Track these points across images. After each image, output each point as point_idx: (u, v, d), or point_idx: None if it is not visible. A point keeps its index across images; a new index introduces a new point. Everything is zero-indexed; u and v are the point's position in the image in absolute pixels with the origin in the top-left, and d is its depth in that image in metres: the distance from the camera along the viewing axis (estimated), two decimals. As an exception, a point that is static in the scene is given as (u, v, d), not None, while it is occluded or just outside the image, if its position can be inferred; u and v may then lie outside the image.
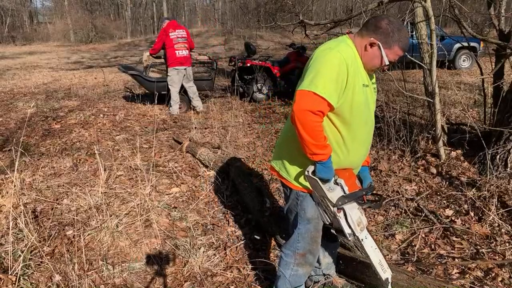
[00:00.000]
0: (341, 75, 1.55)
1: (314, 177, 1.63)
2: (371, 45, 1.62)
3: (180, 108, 6.49)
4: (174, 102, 6.33)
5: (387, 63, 1.63)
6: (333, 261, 2.16)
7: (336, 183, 1.67)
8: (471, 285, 2.10)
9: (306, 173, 1.66)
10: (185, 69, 6.23)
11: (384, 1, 3.92)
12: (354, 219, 1.66)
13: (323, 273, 2.17)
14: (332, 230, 1.74)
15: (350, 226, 1.66)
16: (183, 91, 6.53)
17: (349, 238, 1.70)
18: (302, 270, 1.91)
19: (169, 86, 6.25)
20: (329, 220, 1.71)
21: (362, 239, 1.72)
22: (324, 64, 1.55)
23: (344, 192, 1.67)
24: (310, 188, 1.70)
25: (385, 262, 1.81)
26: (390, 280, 1.80)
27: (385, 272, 1.79)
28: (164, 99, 6.48)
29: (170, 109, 6.39)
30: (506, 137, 3.32)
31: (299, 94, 1.55)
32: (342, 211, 1.65)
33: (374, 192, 1.83)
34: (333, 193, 1.64)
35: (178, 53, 6.11)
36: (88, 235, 2.73)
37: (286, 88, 7.38)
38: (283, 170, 1.82)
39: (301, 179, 1.76)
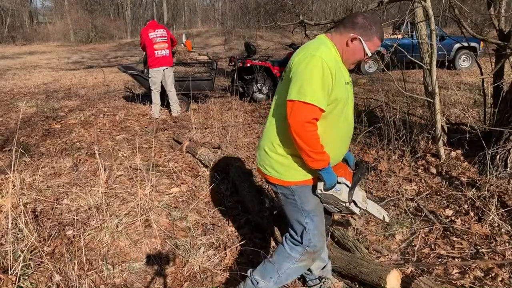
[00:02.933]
0: (326, 79, 1.60)
1: (328, 192, 1.74)
2: (352, 40, 1.69)
3: (180, 108, 6.49)
4: (154, 104, 6.21)
5: (369, 54, 1.72)
6: (325, 263, 2.12)
7: (339, 182, 1.77)
8: (471, 285, 2.11)
9: (318, 192, 1.76)
10: (163, 70, 6.06)
11: (384, 1, 3.93)
12: (361, 200, 1.84)
13: (319, 275, 2.13)
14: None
15: (360, 208, 1.84)
16: (182, 90, 6.53)
17: (359, 214, 1.90)
18: (303, 263, 1.87)
19: (150, 87, 6.15)
20: (337, 210, 1.87)
21: (367, 208, 1.90)
22: (308, 71, 1.59)
23: (348, 186, 1.78)
24: (305, 179, 1.78)
25: (377, 205, 2.04)
26: (385, 216, 2.01)
27: (381, 213, 2.00)
28: (164, 99, 6.49)
29: (151, 112, 6.30)
30: (506, 137, 3.33)
31: (291, 106, 1.61)
32: (353, 201, 1.80)
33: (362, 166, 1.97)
34: (343, 193, 1.76)
35: (157, 53, 5.97)
36: (88, 235, 2.73)
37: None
38: (272, 170, 1.81)
39: (293, 173, 1.77)
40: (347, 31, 1.70)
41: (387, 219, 2.04)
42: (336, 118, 1.72)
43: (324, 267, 2.13)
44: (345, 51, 1.72)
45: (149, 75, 6.11)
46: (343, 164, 1.94)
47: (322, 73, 1.59)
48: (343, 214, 1.89)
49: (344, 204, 1.79)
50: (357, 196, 1.84)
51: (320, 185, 1.75)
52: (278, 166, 1.78)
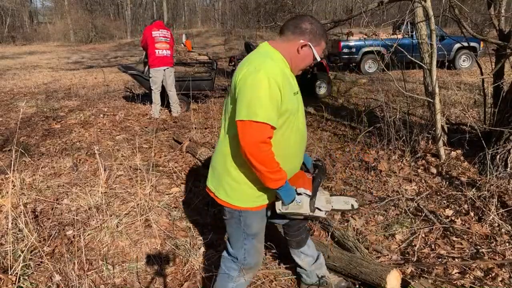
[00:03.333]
0: (274, 95, 1.54)
1: (288, 210, 1.71)
2: (302, 46, 1.66)
3: (180, 108, 6.49)
4: (154, 104, 6.20)
5: (319, 59, 1.70)
6: (314, 259, 2.13)
7: (298, 193, 1.74)
8: (471, 285, 2.11)
9: (278, 211, 1.73)
10: (164, 69, 6.05)
11: (384, 1, 3.93)
12: (324, 204, 1.82)
13: (316, 274, 2.14)
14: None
15: (325, 212, 1.83)
16: (182, 90, 6.53)
17: (325, 216, 1.87)
18: (245, 278, 1.88)
19: (150, 87, 6.15)
20: (303, 218, 1.86)
21: (332, 208, 1.90)
22: (255, 88, 1.53)
23: (309, 196, 1.76)
24: (253, 206, 1.74)
25: (343, 197, 2.03)
26: (353, 203, 2.00)
27: (348, 204, 2.00)
28: (164, 99, 6.49)
29: (151, 111, 6.30)
30: (506, 137, 3.33)
31: (241, 126, 1.54)
32: (316, 209, 1.78)
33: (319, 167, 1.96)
34: (304, 206, 1.74)
35: (158, 52, 5.97)
36: (88, 235, 2.73)
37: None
38: (221, 191, 1.75)
39: (243, 198, 1.73)
40: (296, 37, 1.65)
41: (356, 206, 2.02)
42: (288, 130, 1.67)
43: (316, 260, 2.13)
44: (295, 58, 1.69)
45: (150, 75, 6.10)
46: (301, 172, 1.89)
47: (269, 89, 1.52)
48: (310, 219, 1.87)
49: (309, 215, 1.77)
50: (320, 201, 1.81)
51: (279, 205, 1.72)
52: (229, 189, 1.72)
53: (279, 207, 1.72)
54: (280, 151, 1.63)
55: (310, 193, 1.76)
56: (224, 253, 1.93)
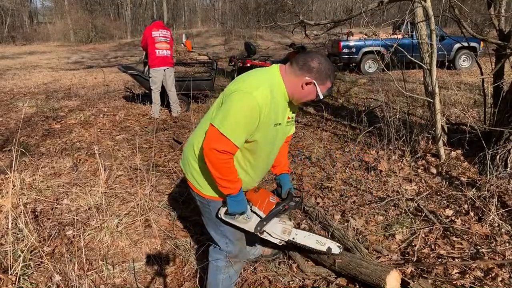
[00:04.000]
0: (252, 120, 1.62)
1: (227, 219, 1.76)
2: (307, 84, 1.71)
3: (180, 108, 6.50)
4: (154, 104, 6.21)
5: (321, 97, 1.75)
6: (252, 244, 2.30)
7: (252, 211, 1.79)
8: (471, 285, 2.11)
9: (218, 215, 1.78)
10: (164, 70, 6.05)
11: (384, 1, 3.93)
12: (278, 232, 1.85)
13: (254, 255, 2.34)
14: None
15: (277, 238, 1.86)
16: (182, 90, 6.52)
17: (281, 245, 1.94)
18: (234, 268, 1.95)
19: (150, 87, 6.16)
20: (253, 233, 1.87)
21: (293, 239, 1.95)
22: (237, 107, 1.61)
23: (261, 217, 1.80)
24: (218, 196, 1.80)
25: (321, 237, 2.09)
26: (332, 246, 2.08)
27: (324, 245, 2.07)
28: (164, 99, 6.48)
29: (151, 111, 6.31)
30: (506, 137, 3.33)
31: (210, 130, 1.65)
32: (264, 232, 1.82)
33: (293, 197, 1.96)
34: (251, 222, 1.78)
35: (158, 52, 5.96)
36: (88, 235, 2.73)
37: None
38: (193, 179, 1.85)
39: (209, 188, 1.81)
40: (302, 74, 1.70)
41: (335, 250, 2.07)
42: (259, 151, 1.76)
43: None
44: (298, 93, 1.74)
45: (150, 75, 6.10)
46: (266, 193, 1.92)
47: (250, 114, 1.60)
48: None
49: (254, 234, 1.82)
50: (274, 229, 1.84)
51: (223, 210, 1.76)
52: (198, 177, 1.82)
53: (221, 212, 1.77)
54: (243, 162, 1.75)
55: (262, 216, 1.81)
56: (210, 247, 2.01)
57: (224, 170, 1.66)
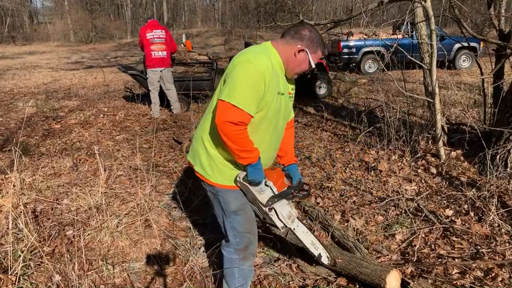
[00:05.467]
0: (258, 86, 1.65)
1: (245, 182, 1.77)
2: (299, 51, 1.75)
3: (180, 108, 6.50)
4: (153, 104, 6.21)
5: (313, 66, 1.79)
6: None
7: (266, 185, 1.82)
8: (471, 285, 2.10)
9: (237, 178, 1.80)
10: (161, 70, 6.04)
11: (384, 1, 3.93)
12: (285, 214, 1.89)
13: None
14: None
15: (281, 221, 1.89)
16: (182, 90, 6.52)
17: (281, 230, 1.97)
18: (247, 263, 1.96)
19: (148, 87, 6.17)
20: (263, 215, 1.93)
21: (294, 228, 1.98)
22: (241, 77, 1.65)
23: (274, 193, 1.83)
24: (229, 184, 1.82)
25: (317, 241, 2.12)
26: (322, 254, 2.13)
27: (317, 249, 2.11)
28: (164, 99, 6.48)
29: (151, 112, 6.31)
30: (506, 137, 3.32)
31: (220, 105, 1.66)
32: (273, 209, 1.86)
33: (303, 187, 2.00)
34: (264, 195, 1.81)
35: (154, 54, 5.94)
36: (88, 235, 2.73)
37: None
38: (198, 164, 1.86)
39: (218, 176, 1.82)
40: (294, 42, 1.75)
41: (324, 260, 2.11)
42: (266, 124, 1.78)
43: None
44: (291, 61, 1.77)
45: (147, 75, 6.11)
46: (281, 173, 1.96)
47: (255, 80, 1.64)
48: (268, 226, 1.93)
49: (263, 208, 1.83)
50: (282, 209, 1.87)
51: (242, 174, 1.78)
52: (207, 166, 1.83)
53: (241, 176, 1.78)
54: (254, 142, 1.73)
55: (276, 191, 1.84)
56: (222, 242, 2.02)
57: (241, 141, 1.67)
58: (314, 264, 2.38)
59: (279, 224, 1.91)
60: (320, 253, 2.14)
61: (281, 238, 2.58)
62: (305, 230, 2.07)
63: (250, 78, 1.63)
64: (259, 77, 1.64)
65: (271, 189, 1.83)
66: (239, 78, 1.64)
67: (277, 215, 1.88)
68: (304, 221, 2.88)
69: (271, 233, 2.38)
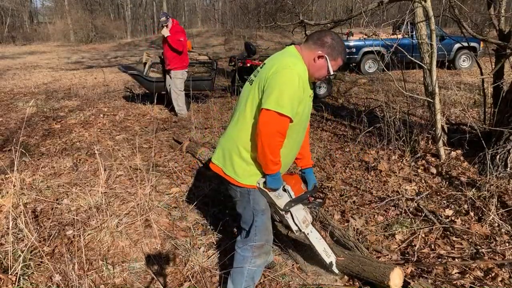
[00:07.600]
0: (299, 93, 1.73)
1: (265, 189, 1.86)
2: (319, 57, 1.81)
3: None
4: (184, 103, 6.36)
5: (332, 73, 1.85)
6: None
7: (284, 189, 1.91)
8: (471, 285, 2.11)
9: (257, 185, 1.88)
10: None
11: (384, 1, 3.92)
12: (300, 219, 1.96)
13: None
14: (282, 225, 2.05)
15: (296, 224, 1.96)
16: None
17: (296, 234, 2.04)
18: (259, 261, 1.99)
19: (179, 89, 6.28)
20: (279, 218, 2.03)
21: (308, 233, 2.04)
22: (287, 84, 1.69)
23: (291, 197, 1.92)
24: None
25: (329, 248, 2.17)
26: (334, 263, 2.17)
27: (329, 257, 2.15)
28: (164, 99, 6.48)
29: (179, 113, 6.38)
30: (506, 137, 3.32)
31: (266, 115, 1.68)
32: (289, 213, 1.93)
33: (319, 192, 2.15)
34: (281, 200, 1.89)
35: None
36: (88, 235, 2.73)
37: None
38: (233, 172, 1.88)
39: (252, 178, 1.87)
40: (316, 48, 1.80)
41: (334, 269, 2.15)
42: (297, 127, 1.85)
43: None
44: (311, 66, 1.82)
45: (180, 76, 6.15)
46: (299, 179, 2.03)
47: (297, 87, 1.70)
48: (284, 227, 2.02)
49: (280, 212, 1.91)
50: (298, 213, 1.94)
51: (261, 180, 1.86)
52: (239, 170, 1.86)
53: (260, 182, 1.87)
54: (284, 144, 1.79)
55: (293, 196, 1.92)
56: (238, 238, 2.05)
57: (277, 152, 1.74)
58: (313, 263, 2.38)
59: (294, 228, 1.97)
60: (331, 261, 2.16)
61: (281, 238, 2.58)
62: (318, 236, 2.11)
63: (294, 85, 1.68)
64: (301, 84, 1.71)
65: (288, 193, 1.90)
66: (284, 85, 1.67)
67: (292, 218, 1.94)
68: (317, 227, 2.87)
69: (272, 233, 2.40)
